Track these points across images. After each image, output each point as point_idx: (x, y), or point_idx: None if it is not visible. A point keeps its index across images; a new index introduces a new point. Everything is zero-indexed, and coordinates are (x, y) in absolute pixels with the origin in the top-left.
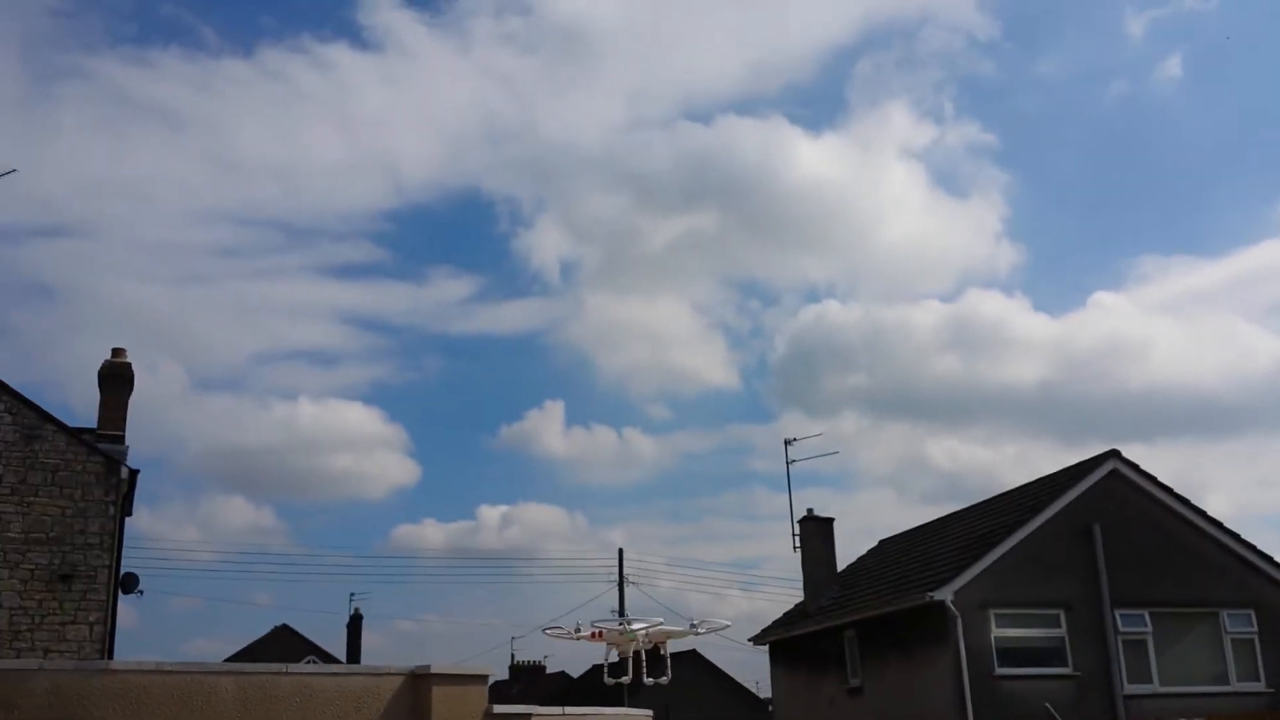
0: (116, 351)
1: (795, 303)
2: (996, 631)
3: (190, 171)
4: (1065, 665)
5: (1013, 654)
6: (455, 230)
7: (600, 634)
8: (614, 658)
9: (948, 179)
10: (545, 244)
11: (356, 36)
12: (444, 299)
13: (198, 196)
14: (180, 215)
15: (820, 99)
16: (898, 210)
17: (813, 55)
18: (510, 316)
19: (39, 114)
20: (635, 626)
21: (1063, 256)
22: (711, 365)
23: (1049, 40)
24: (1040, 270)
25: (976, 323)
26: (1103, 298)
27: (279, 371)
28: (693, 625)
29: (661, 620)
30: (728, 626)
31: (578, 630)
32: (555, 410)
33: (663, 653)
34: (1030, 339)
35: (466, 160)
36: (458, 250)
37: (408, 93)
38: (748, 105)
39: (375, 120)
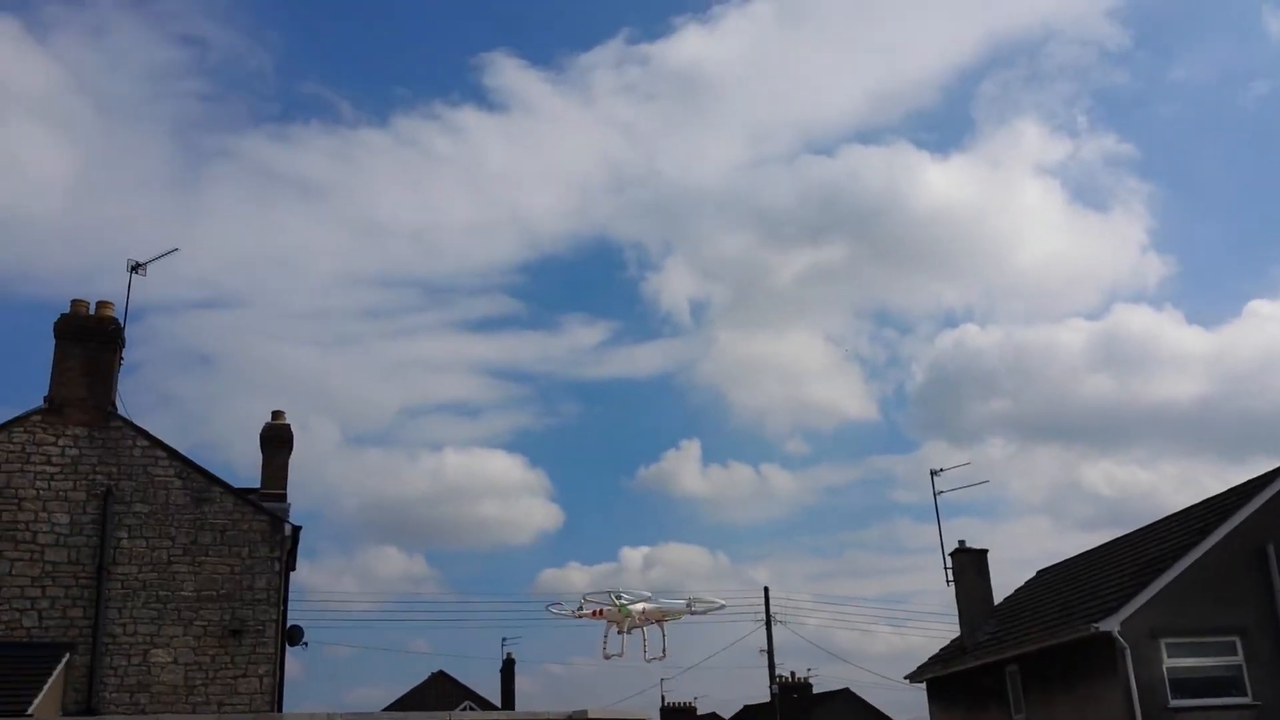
0: (276, 414)
1: (931, 329)
2: (1168, 662)
3: (333, 239)
4: (1244, 694)
5: (1187, 685)
6: (586, 278)
7: (600, 612)
8: (615, 637)
9: (1086, 193)
10: (674, 285)
11: (484, 99)
12: (578, 345)
13: (342, 262)
14: (326, 281)
15: (946, 122)
16: (1035, 228)
17: (935, 79)
18: (643, 359)
19: (192, 194)
20: (625, 599)
21: (1214, 266)
22: (848, 397)
23: (1184, 45)
24: (1191, 281)
25: (1126, 340)
26: (1259, 306)
27: (425, 424)
28: (688, 604)
29: (650, 595)
30: (722, 606)
31: (579, 609)
32: (692, 449)
33: (663, 631)
34: (1185, 353)
35: (594, 209)
36: (589, 297)
37: (534, 148)
38: (871, 133)
39: (505, 177)
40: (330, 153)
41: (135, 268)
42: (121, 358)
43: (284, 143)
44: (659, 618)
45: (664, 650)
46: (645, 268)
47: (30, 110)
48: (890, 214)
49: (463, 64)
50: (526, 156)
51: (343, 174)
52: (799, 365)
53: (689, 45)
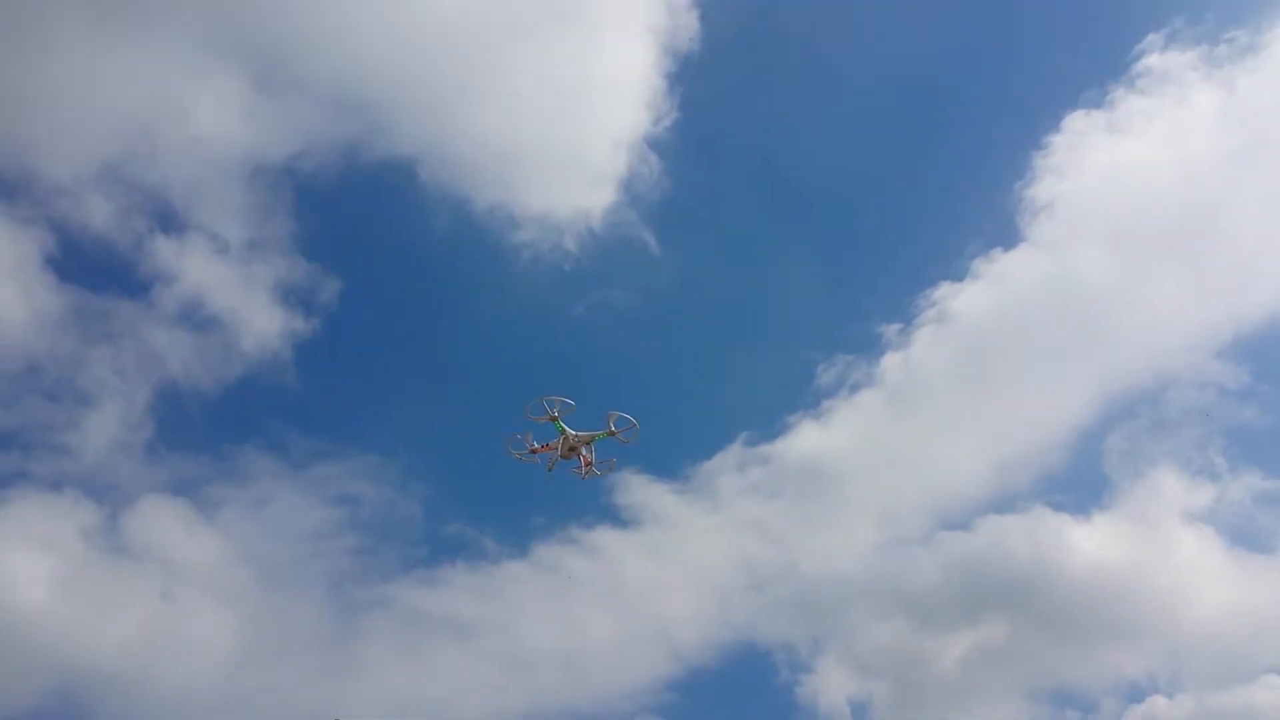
0: None
1: (1116, 705)
2: None
3: (484, 675)
4: None
5: None
6: (737, 688)
7: (548, 445)
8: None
9: (1244, 535)
10: (831, 686)
11: (616, 517)
12: None
13: (492, 697)
14: (479, 718)
15: (1078, 481)
16: (1200, 579)
17: (1059, 440)
18: None
19: (348, 647)
20: (555, 412)
21: None
22: None
23: None
24: None
25: None
26: None
27: None
28: (609, 421)
29: (573, 404)
30: (634, 424)
31: (534, 446)
32: None
33: (587, 454)
34: None
35: (736, 612)
36: (743, 709)
37: (670, 558)
38: (1004, 502)
39: (644, 591)
40: (476, 589)
41: None
42: None
43: (432, 585)
44: (588, 440)
45: (596, 469)
46: (798, 669)
47: (196, 584)
48: (1044, 583)
49: (593, 488)
50: (663, 567)
51: (489, 609)
52: None
53: (805, 440)
